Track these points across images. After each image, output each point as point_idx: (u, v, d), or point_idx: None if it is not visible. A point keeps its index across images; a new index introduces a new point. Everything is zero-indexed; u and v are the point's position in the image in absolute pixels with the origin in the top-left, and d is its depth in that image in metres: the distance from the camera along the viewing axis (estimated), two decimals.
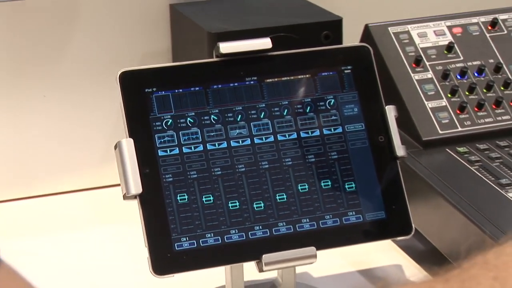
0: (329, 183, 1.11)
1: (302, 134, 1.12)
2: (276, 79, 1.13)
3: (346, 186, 1.11)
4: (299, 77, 1.14)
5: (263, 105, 1.11)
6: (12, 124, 1.32)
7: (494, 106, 1.30)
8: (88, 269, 1.16)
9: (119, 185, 1.07)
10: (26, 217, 1.30)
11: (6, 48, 1.29)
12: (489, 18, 1.37)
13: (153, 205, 1.02)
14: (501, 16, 1.38)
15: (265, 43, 1.11)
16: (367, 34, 1.33)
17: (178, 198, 1.05)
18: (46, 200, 1.34)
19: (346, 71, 1.14)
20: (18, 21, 1.31)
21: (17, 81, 1.30)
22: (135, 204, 1.01)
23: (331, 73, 1.14)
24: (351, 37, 1.33)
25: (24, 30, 1.32)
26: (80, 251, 1.22)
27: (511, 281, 0.62)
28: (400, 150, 1.11)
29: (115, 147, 1.04)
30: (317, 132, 1.12)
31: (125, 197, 1.02)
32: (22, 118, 1.32)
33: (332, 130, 1.12)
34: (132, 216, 1.06)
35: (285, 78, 1.13)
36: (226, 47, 1.10)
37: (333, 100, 1.13)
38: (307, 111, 1.13)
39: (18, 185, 1.33)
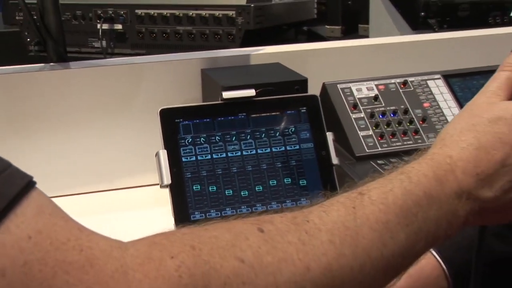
0: (290, 180, 1.15)
1: (274, 149, 1.16)
2: (257, 115, 1.17)
3: (300, 182, 1.15)
4: (272, 113, 1.17)
5: (249, 130, 1.16)
6: (98, 143, 1.32)
7: (402, 135, 1.29)
8: (135, 231, 1.17)
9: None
10: (99, 203, 1.30)
11: (98, 98, 1.29)
12: (402, 79, 1.35)
13: (178, 191, 1.08)
14: (410, 79, 1.37)
15: (250, 92, 1.16)
16: (324, 88, 1.33)
17: (194, 187, 1.10)
18: (111, 193, 1.33)
19: (302, 111, 1.18)
20: (106, 79, 1.31)
21: (102, 118, 1.30)
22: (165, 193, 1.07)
23: (292, 111, 1.18)
24: (314, 90, 1.31)
25: (109, 85, 1.31)
26: (129, 218, 1.23)
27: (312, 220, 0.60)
28: (335, 160, 1.16)
29: (156, 155, 1.09)
30: (283, 148, 1.16)
31: (161, 186, 1.07)
32: (105, 140, 1.32)
33: (292, 147, 1.16)
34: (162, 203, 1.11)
35: (263, 114, 1.17)
36: (227, 94, 1.15)
37: (294, 128, 1.17)
38: (277, 135, 1.16)
39: (95, 182, 1.33)
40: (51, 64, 1.30)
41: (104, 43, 1.92)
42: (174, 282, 0.51)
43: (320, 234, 0.59)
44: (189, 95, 1.36)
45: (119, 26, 1.94)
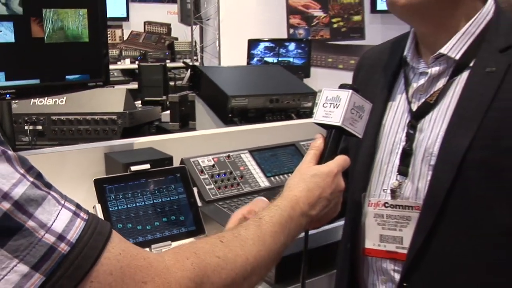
0: (174, 217, 1.26)
1: (163, 199, 1.27)
2: (152, 179, 1.28)
3: (180, 218, 1.27)
4: (161, 178, 1.29)
5: (148, 189, 1.27)
6: None
7: (230, 187, 1.42)
8: None
9: None
10: None
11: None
12: (226, 154, 1.51)
13: None
14: (231, 153, 1.52)
15: (147, 166, 1.28)
16: (182, 161, 1.45)
17: (118, 226, 1.19)
18: None
19: (177, 175, 1.31)
20: (44, 161, 1.32)
21: None
22: None
23: (172, 176, 1.31)
24: (176, 163, 1.41)
25: (46, 165, 1.32)
26: None
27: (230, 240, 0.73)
28: (199, 204, 1.30)
29: (93, 207, 1.17)
30: (169, 199, 1.28)
31: None
32: None
33: (174, 197, 1.28)
34: None
35: (155, 179, 1.28)
36: (133, 168, 1.26)
37: (174, 186, 1.30)
38: (164, 191, 1.28)
39: None
40: None
41: (29, 138, 1.95)
42: (192, 271, 0.65)
43: (248, 241, 0.75)
44: (97, 169, 1.43)
45: (40, 127, 1.97)
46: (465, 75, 0.94)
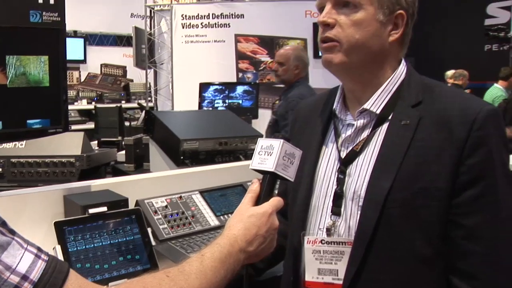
0: (130, 256, 1.27)
1: (119, 240, 1.28)
2: (109, 221, 1.28)
3: (136, 257, 1.28)
4: (117, 220, 1.30)
5: (105, 230, 1.27)
6: None
7: (182, 226, 1.46)
8: None
9: None
10: None
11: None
12: (178, 195, 1.53)
13: None
14: (182, 194, 1.54)
15: (104, 208, 1.28)
16: (137, 203, 1.47)
17: (77, 266, 1.19)
18: None
19: (133, 217, 1.32)
20: (4, 203, 1.31)
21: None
22: None
23: (128, 218, 1.32)
24: (132, 204, 1.41)
25: (6, 207, 1.31)
26: None
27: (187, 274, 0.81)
28: (153, 243, 1.31)
29: (53, 248, 1.17)
30: (125, 239, 1.29)
31: None
32: None
33: (129, 237, 1.29)
34: None
35: (112, 220, 1.28)
36: (91, 211, 1.27)
37: (129, 227, 1.31)
38: (121, 231, 1.29)
39: None
40: None
41: None
42: None
43: (191, 275, 0.81)
44: (56, 211, 1.44)
45: None
46: (385, 126, 1.05)
